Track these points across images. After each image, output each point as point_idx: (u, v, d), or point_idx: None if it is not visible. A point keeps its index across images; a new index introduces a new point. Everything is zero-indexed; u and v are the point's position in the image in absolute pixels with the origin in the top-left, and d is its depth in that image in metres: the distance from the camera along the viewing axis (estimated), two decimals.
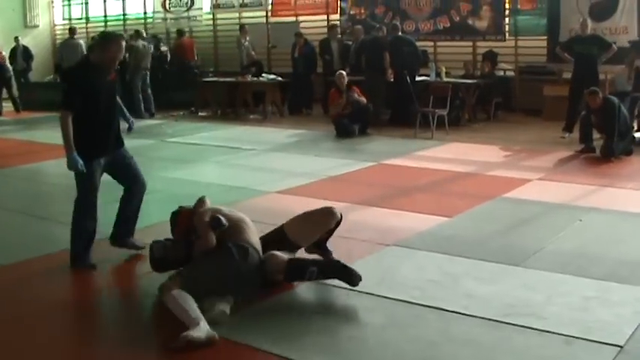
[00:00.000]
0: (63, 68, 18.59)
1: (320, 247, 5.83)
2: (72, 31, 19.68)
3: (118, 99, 6.28)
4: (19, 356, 4.48)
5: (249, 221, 5.56)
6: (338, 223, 5.75)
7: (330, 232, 5.80)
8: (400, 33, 15.03)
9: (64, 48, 19.27)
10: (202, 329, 4.51)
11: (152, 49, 17.66)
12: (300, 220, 5.73)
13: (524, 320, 4.74)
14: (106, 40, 5.93)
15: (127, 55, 17.36)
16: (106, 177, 6.17)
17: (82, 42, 19.46)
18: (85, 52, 17.94)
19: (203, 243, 5.27)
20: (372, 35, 15.22)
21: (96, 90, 5.83)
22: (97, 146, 5.93)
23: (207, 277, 5.06)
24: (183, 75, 18.43)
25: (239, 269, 5.09)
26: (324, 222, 5.70)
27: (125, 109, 6.47)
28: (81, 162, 5.74)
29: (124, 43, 5.95)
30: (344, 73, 13.63)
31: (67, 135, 5.72)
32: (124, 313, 5.32)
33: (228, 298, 4.91)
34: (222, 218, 5.31)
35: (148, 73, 16.98)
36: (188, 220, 5.56)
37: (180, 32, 19.22)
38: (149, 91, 17.02)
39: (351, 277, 5.19)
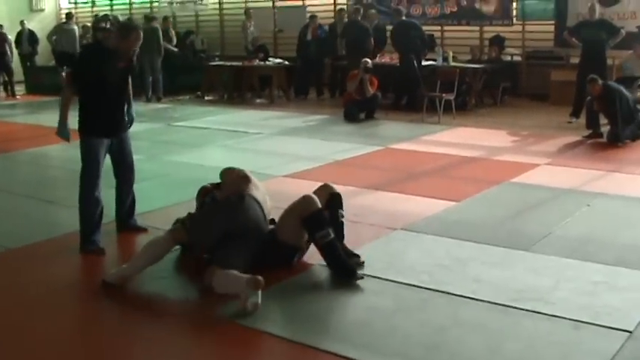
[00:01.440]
0: (57, 52, 18.74)
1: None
2: (69, 16, 19.80)
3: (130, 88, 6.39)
4: (25, 339, 4.49)
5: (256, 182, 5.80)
6: (333, 199, 5.63)
7: (331, 210, 5.58)
8: (404, 17, 14.96)
9: (58, 33, 19.27)
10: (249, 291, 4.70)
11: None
12: (284, 217, 5.58)
13: (532, 305, 4.73)
14: (126, 29, 6.04)
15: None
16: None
17: (76, 28, 19.55)
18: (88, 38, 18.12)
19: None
20: (353, 19, 15.47)
21: (105, 73, 5.90)
22: (102, 126, 6.04)
23: (208, 220, 5.42)
24: (188, 59, 18.43)
25: (235, 211, 5.33)
26: (302, 208, 5.40)
27: (132, 103, 6.49)
28: (68, 134, 5.99)
29: (142, 35, 6.02)
30: (369, 61, 13.52)
31: (63, 106, 5.96)
32: (129, 296, 5.32)
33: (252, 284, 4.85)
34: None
35: (158, 57, 16.95)
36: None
37: (148, 18, 19.28)
38: (159, 75, 16.98)
39: (350, 276, 5.25)
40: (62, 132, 6.00)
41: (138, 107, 15.28)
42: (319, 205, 5.33)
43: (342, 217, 5.68)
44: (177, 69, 18.21)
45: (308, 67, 16.85)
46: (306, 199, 5.38)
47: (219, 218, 5.36)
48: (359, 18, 15.52)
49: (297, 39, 17.20)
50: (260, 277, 4.70)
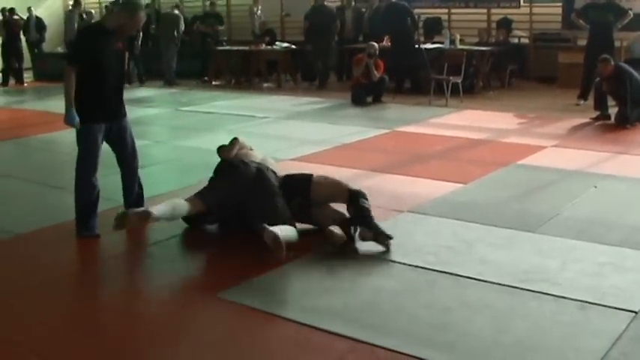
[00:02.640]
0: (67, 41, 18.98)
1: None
2: (75, 3, 19.98)
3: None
4: (30, 324, 4.53)
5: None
6: (355, 198, 5.84)
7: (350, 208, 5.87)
8: None
9: (67, 21, 19.75)
10: None
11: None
12: (328, 184, 6.03)
13: (538, 286, 4.75)
14: (132, 7, 5.91)
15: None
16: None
17: (76, 15, 19.76)
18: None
19: None
20: (319, 3, 15.80)
21: (103, 54, 5.82)
22: (99, 110, 5.91)
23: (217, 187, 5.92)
24: (194, 44, 18.53)
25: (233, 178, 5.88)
26: (339, 193, 5.94)
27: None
28: (77, 119, 5.79)
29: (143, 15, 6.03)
30: (375, 45, 13.46)
31: (68, 90, 5.76)
32: (131, 281, 5.38)
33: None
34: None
35: (174, 46, 17.20)
36: None
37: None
38: (172, 62, 17.16)
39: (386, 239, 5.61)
40: (70, 118, 5.80)
41: (149, 92, 15.48)
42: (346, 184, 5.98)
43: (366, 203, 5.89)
44: (184, 54, 18.26)
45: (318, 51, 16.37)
46: (330, 180, 6.04)
47: (221, 183, 5.91)
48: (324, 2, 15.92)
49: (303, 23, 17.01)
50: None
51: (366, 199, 5.82)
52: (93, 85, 5.82)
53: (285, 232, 5.34)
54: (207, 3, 19.11)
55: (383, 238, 5.58)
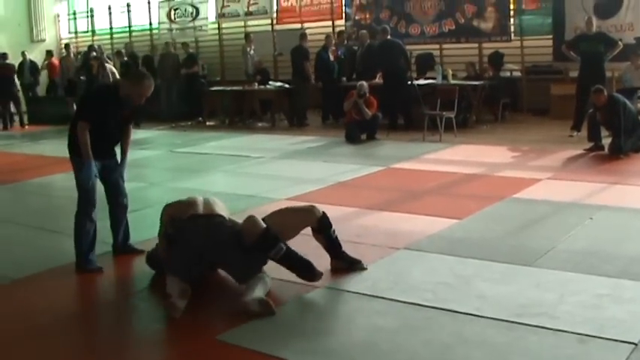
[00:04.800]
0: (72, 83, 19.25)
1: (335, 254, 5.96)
2: (67, 46, 20.51)
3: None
4: None
5: (212, 200, 5.99)
6: (321, 223, 5.85)
7: (317, 230, 5.88)
8: (389, 37, 14.93)
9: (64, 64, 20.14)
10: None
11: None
12: (281, 213, 5.92)
13: (537, 320, 4.73)
14: (138, 76, 6.35)
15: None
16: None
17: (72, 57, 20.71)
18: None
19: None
20: (298, 44, 16.20)
21: (108, 117, 6.20)
22: (95, 150, 6.17)
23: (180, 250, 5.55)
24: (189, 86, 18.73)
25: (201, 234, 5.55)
26: (302, 216, 5.87)
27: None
28: (96, 172, 6.17)
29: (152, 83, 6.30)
30: (365, 84, 13.48)
31: (86, 144, 6.07)
32: (128, 325, 5.36)
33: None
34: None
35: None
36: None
37: (49, 52, 20.61)
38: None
39: (311, 274, 5.50)
40: (91, 171, 6.17)
41: (144, 134, 15.50)
42: (262, 225, 5.51)
43: (334, 233, 5.92)
44: (185, 95, 18.44)
45: (333, 88, 16.04)
46: (250, 221, 5.57)
47: (190, 251, 5.54)
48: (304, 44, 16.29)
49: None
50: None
51: (331, 226, 5.89)
52: (94, 133, 6.13)
53: (260, 288, 5.30)
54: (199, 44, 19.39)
55: (359, 266, 5.85)
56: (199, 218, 5.69)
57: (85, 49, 20.61)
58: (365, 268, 5.87)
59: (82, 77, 18.03)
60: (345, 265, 5.90)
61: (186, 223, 5.65)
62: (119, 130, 6.41)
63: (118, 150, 6.56)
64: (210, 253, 5.52)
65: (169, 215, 5.85)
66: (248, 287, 5.26)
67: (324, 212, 5.88)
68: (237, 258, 5.50)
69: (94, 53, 18.19)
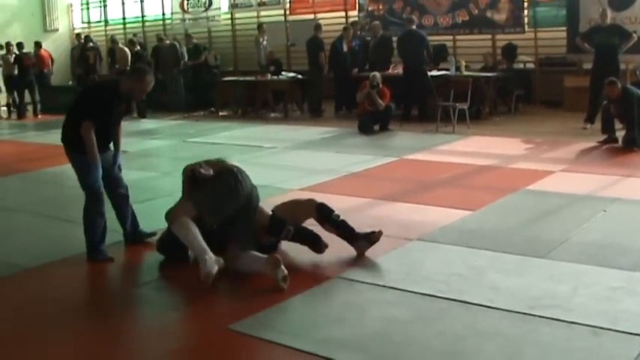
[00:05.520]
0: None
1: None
2: (77, 37, 20.50)
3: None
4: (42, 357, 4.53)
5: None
6: (320, 211, 6.10)
7: (321, 219, 6.13)
8: (414, 27, 14.91)
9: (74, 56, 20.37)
10: (211, 262, 5.36)
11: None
12: (284, 205, 6.30)
13: (550, 312, 4.72)
14: (140, 72, 6.42)
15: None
16: None
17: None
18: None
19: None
20: (313, 35, 16.28)
21: (107, 114, 6.25)
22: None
23: (208, 194, 5.75)
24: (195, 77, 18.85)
25: (232, 185, 5.77)
26: (301, 206, 6.23)
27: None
28: (101, 171, 6.23)
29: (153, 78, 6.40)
30: (378, 75, 13.52)
31: (92, 150, 6.12)
32: (145, 308, 5.38)
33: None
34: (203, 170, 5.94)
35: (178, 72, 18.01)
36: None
37: (37, 43, 20.36)
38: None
39: (319, 245, 5.92)
40: (98, 171, 6.23)
41: (155, 124, 15.54)
42: (268, 212, 6.08)
43: (339, 217, 6.12)
44: (191, 85, 18.46)
45: (346, 79, 15.90)
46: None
47: (228, 194, 5.76)
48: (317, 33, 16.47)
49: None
50: (277, 256, 5.40)
51: (333, 211, 6.12)
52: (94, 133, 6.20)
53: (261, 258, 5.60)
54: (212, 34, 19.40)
55: (376, 235, 6.03)
56: (241, 173, 5.92)
57: (104, 38, 20.80)
58: (381, 232, 6.03)
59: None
60: (365, 242, 6.03)
61: (227, 170, 5.90)
62: (117, 124, 6.49)
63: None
64: (244, 206, 5.82)
65: (191, 170, 6.05)
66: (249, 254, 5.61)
67: (321, 202, 6.15)
68: (250, 229, 5.87)
69: (91, 44, 18.36)
